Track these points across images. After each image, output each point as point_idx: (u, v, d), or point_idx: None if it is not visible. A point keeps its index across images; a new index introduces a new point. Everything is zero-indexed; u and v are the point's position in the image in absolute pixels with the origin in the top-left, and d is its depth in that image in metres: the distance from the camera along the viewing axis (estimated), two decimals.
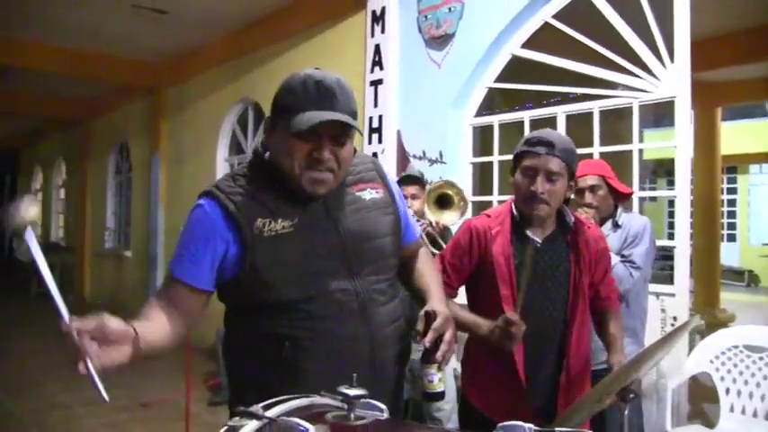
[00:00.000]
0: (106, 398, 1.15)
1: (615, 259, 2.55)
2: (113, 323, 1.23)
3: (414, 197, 3.37)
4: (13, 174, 16.22)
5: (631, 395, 1.42)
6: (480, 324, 1.87)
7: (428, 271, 1.74)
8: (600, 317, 2.03)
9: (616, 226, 2.75)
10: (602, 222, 2.75)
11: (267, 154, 1.54)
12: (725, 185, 15.74)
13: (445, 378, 1.50)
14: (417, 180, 3.53)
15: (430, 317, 1.48)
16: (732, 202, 16.49)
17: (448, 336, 1.47)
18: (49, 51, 7.59)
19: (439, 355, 1.45)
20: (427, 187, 3.52)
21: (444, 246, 3.15)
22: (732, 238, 16.35)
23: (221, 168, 7.37)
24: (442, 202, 3.38)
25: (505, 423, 1.23)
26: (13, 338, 7.85)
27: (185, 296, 1.46)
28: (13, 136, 14.52)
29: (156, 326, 1.39)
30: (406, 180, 3.49)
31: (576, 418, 1.52)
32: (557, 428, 1.20)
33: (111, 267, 10.33)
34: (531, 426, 1.19)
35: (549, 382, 1.90)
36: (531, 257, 1.71)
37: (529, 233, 1.81)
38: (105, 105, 10.36)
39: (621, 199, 2.82)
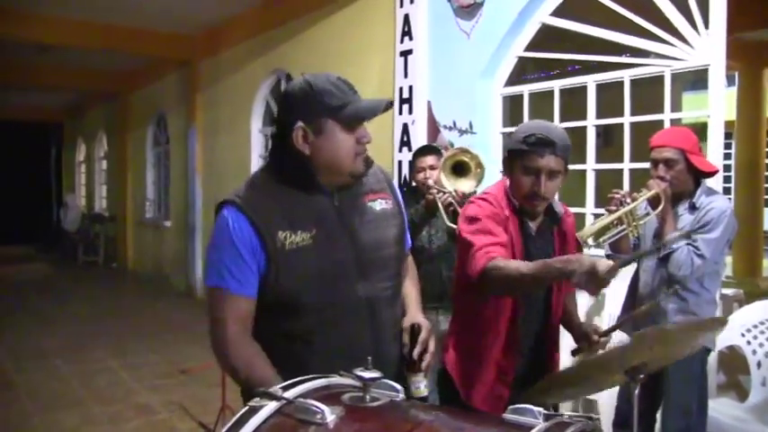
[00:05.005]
0: None
1: (682, 242, 2.41)
2: None
3: (432, 168, 3.25)
4: (59, 146, 16.67)
5: (640, 375, 1.43)
6: (551, 263, 1.64)
7: (410, 280, 1.85)
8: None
9: (693, 208, 2.52)
10: (677, 199, 2.53)
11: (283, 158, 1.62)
12: None
13: (429, 383, 1.64)
14: (435, 150, 3.40)
15: (414, 330, 1.64)
16: None
17: (431, 347, 1.63)
18: (88, 28, 7.75)
19: (425, 365, 1.61)
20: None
21: None
22: None
23: (256, 139, 7.45)
24: (459, 169, 3.25)
25: (517, 405, 1.27)
26: (65, 305, 8.19)
27: (248, 308, 1.57)
28: (58, 109, 14.95)
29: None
30: (423, 151, 3.39)
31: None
32: (565, 414, 1.22)
33: (152, 237, 10.62)
34: (540, 409, 1.23)
35: (533, 366, 1.97)
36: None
37: (527, 222, 1.94)
38: (143, 78, 10.53)
39: (703, 176, 2.56)
